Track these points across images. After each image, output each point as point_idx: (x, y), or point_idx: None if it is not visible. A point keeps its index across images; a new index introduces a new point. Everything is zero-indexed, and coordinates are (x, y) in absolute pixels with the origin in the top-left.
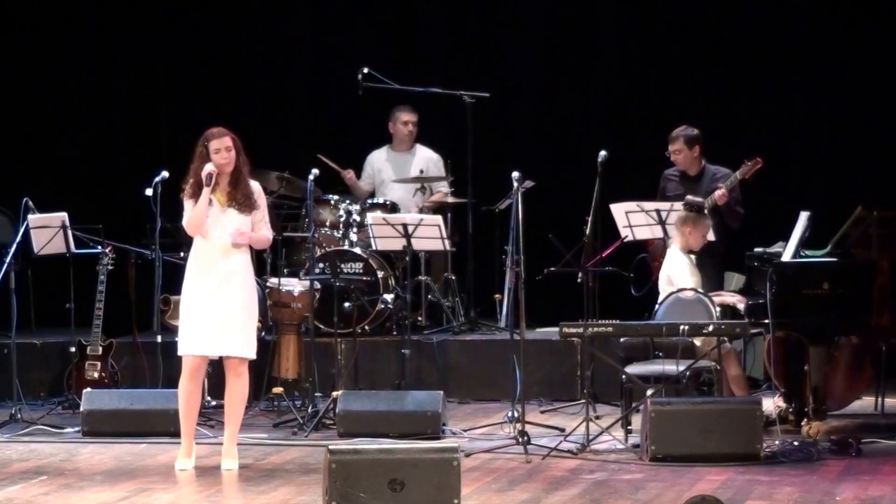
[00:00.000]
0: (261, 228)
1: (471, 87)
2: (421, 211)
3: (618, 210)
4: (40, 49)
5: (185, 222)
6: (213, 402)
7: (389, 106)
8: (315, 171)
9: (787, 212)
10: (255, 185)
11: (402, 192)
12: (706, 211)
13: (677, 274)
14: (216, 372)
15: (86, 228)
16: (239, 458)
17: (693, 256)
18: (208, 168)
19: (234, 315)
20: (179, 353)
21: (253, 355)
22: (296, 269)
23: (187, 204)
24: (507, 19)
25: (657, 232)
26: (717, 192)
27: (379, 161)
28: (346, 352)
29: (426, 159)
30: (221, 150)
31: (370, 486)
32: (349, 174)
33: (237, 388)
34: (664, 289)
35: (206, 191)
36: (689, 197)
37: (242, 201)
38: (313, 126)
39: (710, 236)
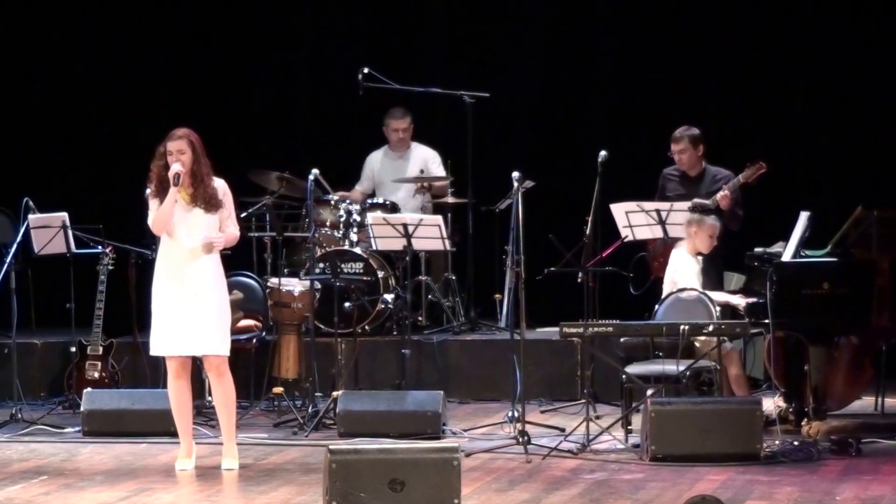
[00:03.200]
0: (227, 226)
1: (471, 87)
2: (422, 211)
3: (618, 210)
4: (41, 49)
5: (150, 221)
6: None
7: (389, 106)
8: (315, 171)
9: (787, 212)
10: (220, 184)
11: (401, 192)
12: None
13: (682, 276)
14: None
15: (86, 228)
16: (239, 457)
17: (700, 258)
18: (176, 168)
19: (208, 314)
20: (152, 353)
21: (227, 352)
22: (296, 269)
23: (152, 203)
24: (507, 19)
25: (657, 232)
26: (720, 195)
27: (377, 162)
28: (347, 352)
29: (423, 158)
30: (174, 152)
31: (370, 486)
32: (340, 194)
33: (222, 387)
34: (668, 291)
35: (172, 190)
36: (697, 200)
37: (207, 201)
38: (313, 126)
39: None
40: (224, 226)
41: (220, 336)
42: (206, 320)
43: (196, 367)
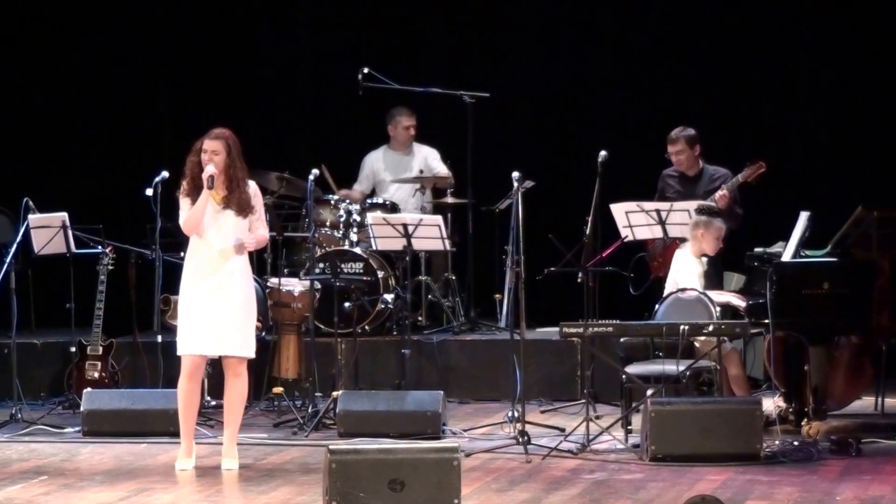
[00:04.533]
0: (258, 228)
1: (471, 87)
2: (422, 211)
3: (618, 210)
4: (41, 49)
5: (181, 221)
6: (213, 402)
7: (389, 106)
8: (315, 171)
9: (787, 212)
10: (251, 186)
11: (401, 192)
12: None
13: (684, 278)
14: (216, 372)
15: (86, 228)
16: (239, 457)
17: (704, 260)
18: (210, 170)
19: (233, 315)
20: (179, 352)
21: (252, 354)
22: (296, 269)
23: (183, 203)
24: (507, 19)
25: (657, 232)
26: (718, 194)
27: (377, 162)
28: (347, 352)
29: (424, 157)
30: (208, 152)
31: (370, 486)
32: (342, 192)
33: (236, 387)
34: (670, 291)
35: (206, 192)
36: (703, 202)
37: (240, 205)
38: (313, 126)
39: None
40: (254, 227)
41: (243, 338)
42: (230, 321)
43: None
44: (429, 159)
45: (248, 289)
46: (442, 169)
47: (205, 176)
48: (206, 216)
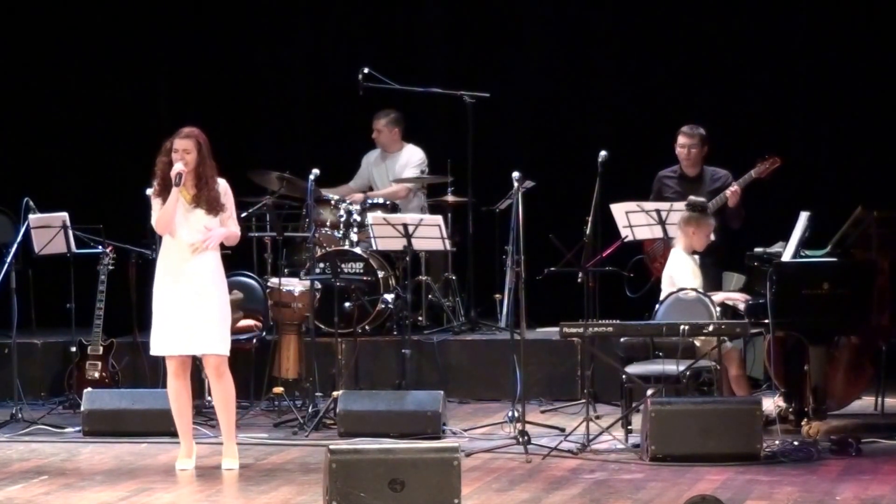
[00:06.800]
0: (229, 226)
1: (471, 87)
2: (421, 211)
3: (618, 210)
4: (41, 49)
5: (153, 221)
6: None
7: (390, 106)
8: (315, 171)
9: (787, 212)
10: (221, 184)
11: None
12: (710, 211)
13: (680, 275)
14: None
15: (86, 228)
16: (239, 457)
17: (696, 257)
18: (177, 167)
19: (207, 313)
20: (152, 353)
21: (226, 352)
22: (296, 269)
23: (155, 203)
24: (507, 19)
25: (657, 232)
26: (731, 191)
27: (371, 163)
28: (347, 352)
29: (406, 161)
30: (179, 151)
31: (370, 485)
32: (352, 197)
33: (221, 387)
34: (667, 290)
35: (174, 190)
36: (692, 197)
37: (210, 203)
38: (313, 126)
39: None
40: (225, 225)
41: (220, 336)
42: (206, 320)
43: (196, 367)
44: (409, 165)
45: (221, 286)
46: (408, 175)
47: (172, 173)
48: (177, 215)
